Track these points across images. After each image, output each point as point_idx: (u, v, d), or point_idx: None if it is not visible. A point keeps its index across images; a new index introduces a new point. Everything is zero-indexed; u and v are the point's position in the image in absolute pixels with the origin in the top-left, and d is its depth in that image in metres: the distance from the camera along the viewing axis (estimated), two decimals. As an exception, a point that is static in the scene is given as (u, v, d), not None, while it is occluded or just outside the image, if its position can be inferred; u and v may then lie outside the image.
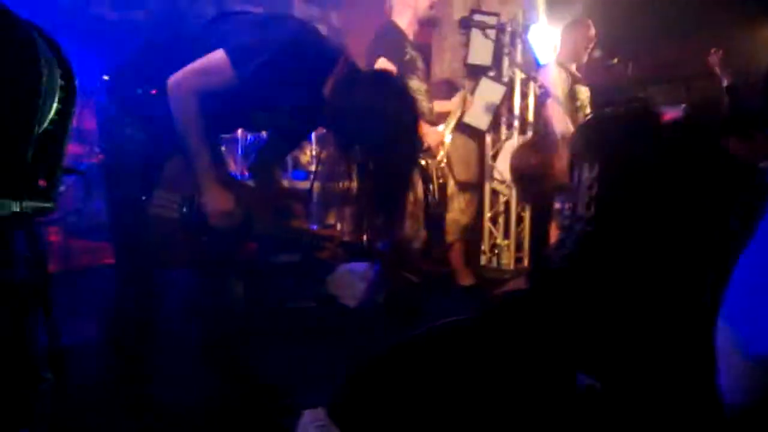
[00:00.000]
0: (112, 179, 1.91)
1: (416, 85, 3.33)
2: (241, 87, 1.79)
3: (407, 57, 3.31)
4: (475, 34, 4.06)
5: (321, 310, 3.65)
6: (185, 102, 1.79)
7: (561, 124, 3.44)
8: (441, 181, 3.45)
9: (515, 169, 2.87)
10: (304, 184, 4.14)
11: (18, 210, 0.83)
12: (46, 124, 0.84)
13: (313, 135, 3.98)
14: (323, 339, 3.07)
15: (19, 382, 1.11)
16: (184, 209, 1.89)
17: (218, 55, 1.79)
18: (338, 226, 4.18)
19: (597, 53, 3.99)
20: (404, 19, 3.38)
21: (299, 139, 2.48)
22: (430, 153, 3.33)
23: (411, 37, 3.39)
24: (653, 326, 1.43)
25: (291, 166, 4.26)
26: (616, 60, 4.12)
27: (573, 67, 3.90)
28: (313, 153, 4.23)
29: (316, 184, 4.32)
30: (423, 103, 3.36)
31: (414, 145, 1.95)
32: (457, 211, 3.64)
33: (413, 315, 3.24)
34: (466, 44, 4.15)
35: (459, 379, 1.41)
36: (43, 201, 0.86)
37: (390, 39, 3.34)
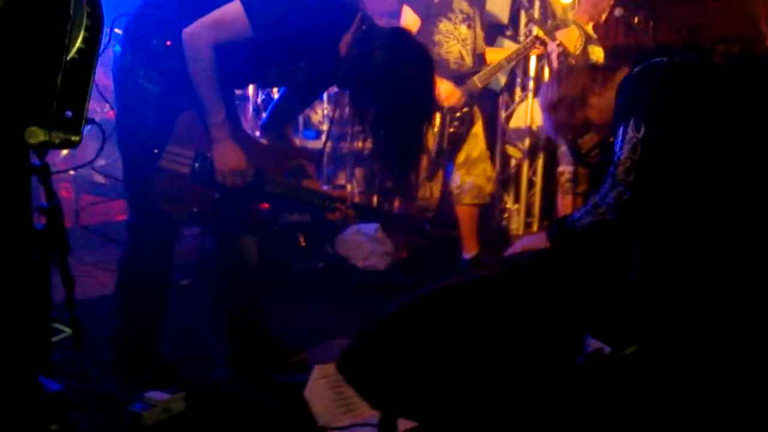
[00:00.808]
0: (125, 133, 1.90)
1: (446, 27, 3.23)
2: (256, 40, 1.77)
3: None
4: (494, -11, 3.97)
5: (329, 270, 3.67)
6: (200, 54, 1.77)
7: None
8: (452, 130, 3.33)
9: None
10: (315, 143, 4.11)
11: (47, 139, 0.82)
12: (73, 53, 0.82)
13: (325, 94, 3.94)
14: (333, 298, 3.09)
15: (36, 331, 1.12)
16: (196, 164, 1.88)
17: (234, 7, 1.77)
18: (348, 187, 4.16)
19: (618, 11, 3.87)
20: None
21: (313, 97, 2.45)
22: (443, 106, 3.23)
23: None
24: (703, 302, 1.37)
25: (302, 125, 4.23)
26: (637, 19, 3.99)
27: (590, 27, 3.80)
28: (325, 112, 4.18)
29: (329, 144, 4.30)
30: (454, 47, 3.26)
31: (430, 108, 1.91)
32: (482, 177, 3.44)
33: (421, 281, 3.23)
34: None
35: (469, 336, 1.42)
36: (70, 132, 0.85)
37: None
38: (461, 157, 3.41)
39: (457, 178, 3.43)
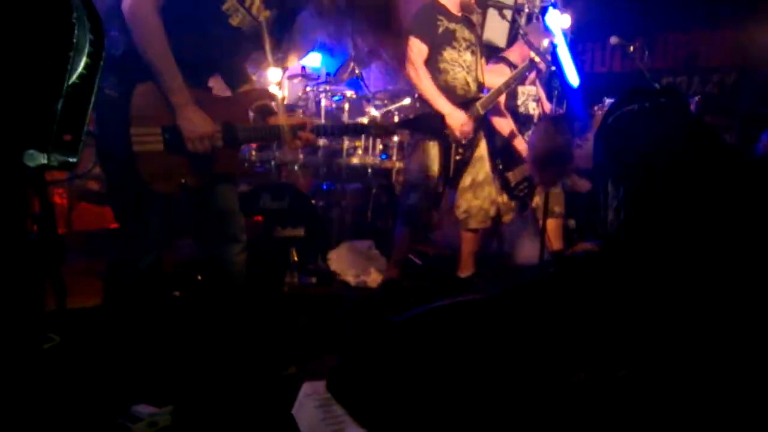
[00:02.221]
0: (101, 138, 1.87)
1: (451, 55, 3.28)
2: None
3: (440, 30, 3.25)
4: (492, 13, 4.03)
5: (321, 285, 3.66)
6: (147, 23, 1.75)
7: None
8: (458, 158, 3.35)
9: (536, 149, 2.67)
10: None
11: (45, 162, 0.83)
12: (74, 78, 0.84)
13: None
14: (324, 314, 3.08)
15: (26, 340, 1.12)
16: (167, 137, 1.83)
17: None
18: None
19: (614, 39, 3.94)
20: None
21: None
22: (451, 131, 3.25)
23: (455, 10, 3.32)
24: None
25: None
26: (632, 48, 4.06)
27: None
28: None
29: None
30: (460, 74, 3.30)
31: None
32: (488, 200, 3.42)
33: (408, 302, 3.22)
34: (482, 24, 4.12)
35: (461, 357, 1.42)
36: (68, 155, 0.86)
37: (421, 16, 3.29)
38: (467, 181, 3.39)
39: (464, 202, 3.40)
